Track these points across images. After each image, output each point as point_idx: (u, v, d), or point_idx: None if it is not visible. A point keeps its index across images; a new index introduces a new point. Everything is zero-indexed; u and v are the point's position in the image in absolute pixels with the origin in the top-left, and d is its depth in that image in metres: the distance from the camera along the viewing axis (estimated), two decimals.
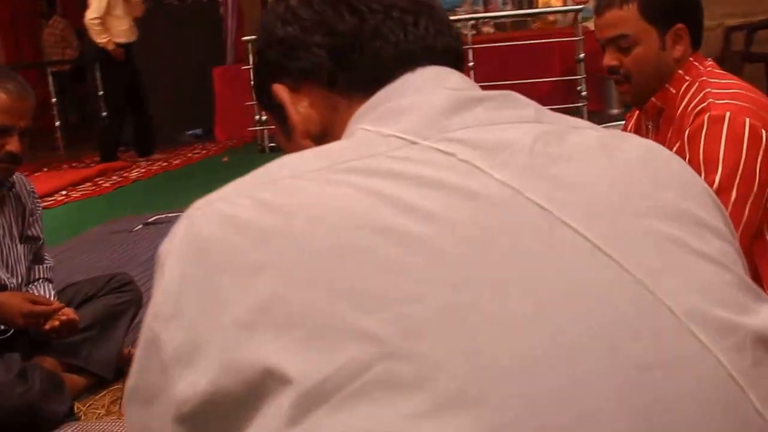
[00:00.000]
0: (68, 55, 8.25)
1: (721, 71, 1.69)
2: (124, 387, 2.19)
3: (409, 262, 0.51)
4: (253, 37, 6.98)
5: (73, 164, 7.39)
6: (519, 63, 6.95)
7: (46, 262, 2.50)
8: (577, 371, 0.50)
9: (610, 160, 0.62)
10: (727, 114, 1.51)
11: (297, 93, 0.71)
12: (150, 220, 4.42)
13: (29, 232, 2.40)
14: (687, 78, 1.65)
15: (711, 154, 1.51)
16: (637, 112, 1.85)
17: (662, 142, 1.59)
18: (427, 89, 0.66)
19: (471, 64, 6.41)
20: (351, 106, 0.69)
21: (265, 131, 6.91)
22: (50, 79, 7.64)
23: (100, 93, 7.09)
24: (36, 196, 2.48)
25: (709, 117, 1.53)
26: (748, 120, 1.50)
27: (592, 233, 0.56)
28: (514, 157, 0.59)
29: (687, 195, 0.63)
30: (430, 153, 0.58)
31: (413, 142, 0.59)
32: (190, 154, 7.48)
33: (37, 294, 2.30)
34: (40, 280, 2.42)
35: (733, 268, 0.60)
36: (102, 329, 2.40)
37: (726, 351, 0.54)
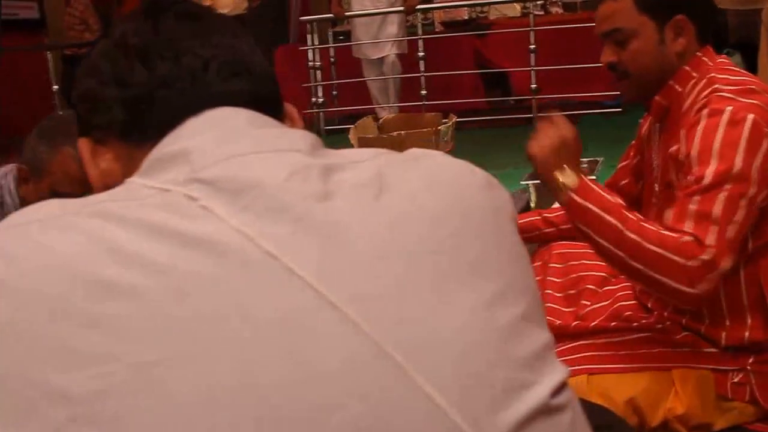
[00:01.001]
0: (86, 38, 8.14)
1: (734, 67, 1.58)
2: None
3: (118, 317, 0.51)
4: (314, 17, 6.97)
5: None
6: (587, 46, 6.67)
7: None
8: None
9: (376, 199, 0.60)
10: (728, 108, 1.41)
11: (103, 146, 0.71)
12: None
13: None
14: (694, 74, 1.54)
15: (705, 146, 1.40)
16: None
17: (668, 143, 1.53)
18: (201, 132, 0.65)
19: (532, 47, 6.21)
20: (144, 158, 0.67)
21: (321, 114, 6.88)
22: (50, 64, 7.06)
23: None
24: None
25: (708, 111, 1.43)
26: (751, 116, 1.39)
27: (324, 285, 0.54)
28: (259, 199, 0.57)
29: (464, 228, 0.62)
30: (175, 198, 0.58)
31: (166, 190, 0.59)
32: None
33: None
34: None
35: (506, 312, 0.59)
36: None
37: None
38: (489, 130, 6.45)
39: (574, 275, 1.86)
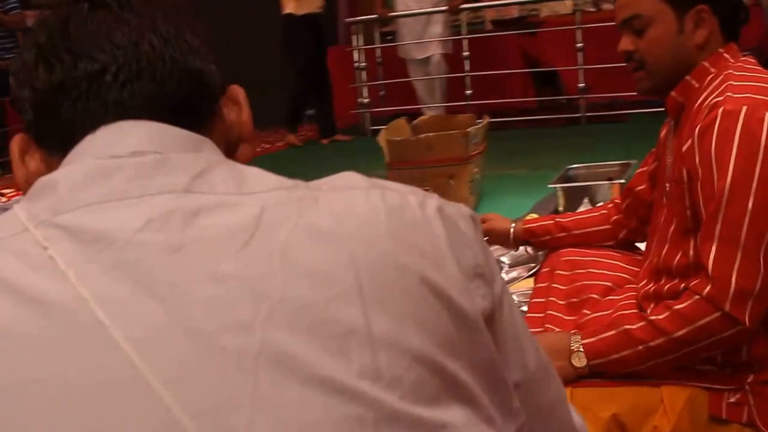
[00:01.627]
0: None
1: (757, 66, 1.49)
2: None
3: None
4: (358, 18, 6.96)
5: None
6: None
7: None
8: None
9: (238, 251, 0.54)
10: (743, 109, 1.33)
11: (36, 145, 0.67)
12: None
13: None
14: (712, 70, 1.46)
15: (722, 154, 1.33)
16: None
17: (681, 141, 1.47)
18: (81, 157, 0.61)
19: (580, 45, 6.09)
20: (58, 166, 0.63)
21: (367, 114, 6.87)
22: None
23: None
24: None
25: (722, 112, 1.35)
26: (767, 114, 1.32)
27: (146, 361, 0.50)
28: (106, 253, 0.54)
29: (341, 293, 0.54)
30: (28, 244, 0.55)
31: (26, 229, 0.56)
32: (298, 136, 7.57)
33: None
34: None
35: (379, 395, 0.52)
36: None
37: None
38: (537, 130, 6.35)
39: (579, 283, 1.81)
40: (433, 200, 0.62)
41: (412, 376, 0.54)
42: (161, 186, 0.57)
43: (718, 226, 1.32)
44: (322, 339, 0.52)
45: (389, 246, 0.57)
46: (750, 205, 1.30)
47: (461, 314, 0.58)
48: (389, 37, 7.12)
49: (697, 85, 1.47)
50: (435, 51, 6.46)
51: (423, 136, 3.55)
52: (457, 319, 0.57)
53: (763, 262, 1.31)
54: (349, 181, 0.63)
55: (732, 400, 1.41)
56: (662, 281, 1.53)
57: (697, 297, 1.33)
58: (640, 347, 1.37)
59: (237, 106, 0.72)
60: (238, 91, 0.73)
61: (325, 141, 6.82)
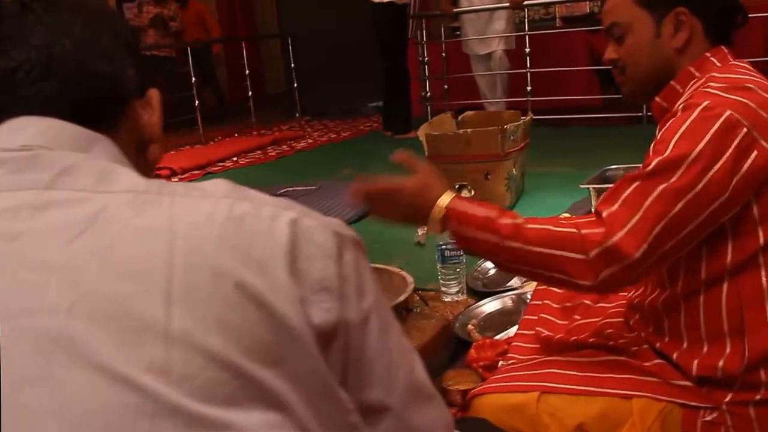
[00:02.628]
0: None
1: (747, 69, 1.40)
2: None
3: None
4: (424, 13, 7.03)
5: (262, 131, 7.93)
6: None
7: None
8: None
9: (68, 243, 0.59)
10: (705, 102, 1.28)
11: None
12: (278, 192, 4.65)
13: None
14: (697, 74, 1.42)
15: (668, 135, 1.28)
16: None
17: None
18: None
19: None
20: None
21: (429, 108, 6.95)
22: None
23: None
24: None
25: (684, 105, 1.32)
26: (729, 112, 1.25)
27: None
28: None
29: (157, 292, 0.57)
30: None
31: None
32: (361, 127, 7.72)
33: None
34: None
35: (161, 389, 0.54)
36: None
37: None
38: (598, 128, 6.30)
39: None
40: (292, 213, 0.65)
41: (206, 376, 0.55)
42: (30, 182, 0.63)
43: (631, 188, 1.26)
44: (117, 331, 0.55)
45: (211, 250, 0.60)
46: (663, 185, 1.23)
47: (283, 323, 0.60)
48: (457, 33, 7.16)
49: (680, 90, 1.43)
50: (497, 47, 6.48)
51: (461, 131, 3.62)
52: (276, 327, 0.59)
53: (649, 242, 1.22)
54: (211, 189, 0.67)
55: (708, 418, 1.34)
56: (648, 290, 1.50)
57: (575, 231, 1.27)
58: (494, 239, 1.32)
59: (151, 109, 0.78)
60: (153, 95, 0.79)
61: (399, 136, 6.62)
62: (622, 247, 1.22)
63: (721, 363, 1.32)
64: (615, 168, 3.46)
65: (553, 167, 4.61)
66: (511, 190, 3.66)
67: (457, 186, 3.68)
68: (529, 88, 6.47)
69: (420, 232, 3.37)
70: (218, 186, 0.67)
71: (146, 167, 0.79)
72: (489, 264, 2.91)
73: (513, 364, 1.71)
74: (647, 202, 1.24)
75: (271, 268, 0.61)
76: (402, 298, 2.28)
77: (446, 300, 2.71)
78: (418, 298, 2.64)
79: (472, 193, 3.64)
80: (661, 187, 1.24)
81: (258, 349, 0.58)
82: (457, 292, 2.72)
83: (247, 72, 8.23)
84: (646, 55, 1.47)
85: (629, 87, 1.54)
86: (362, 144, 6.74)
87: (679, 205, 1.23)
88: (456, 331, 2.31)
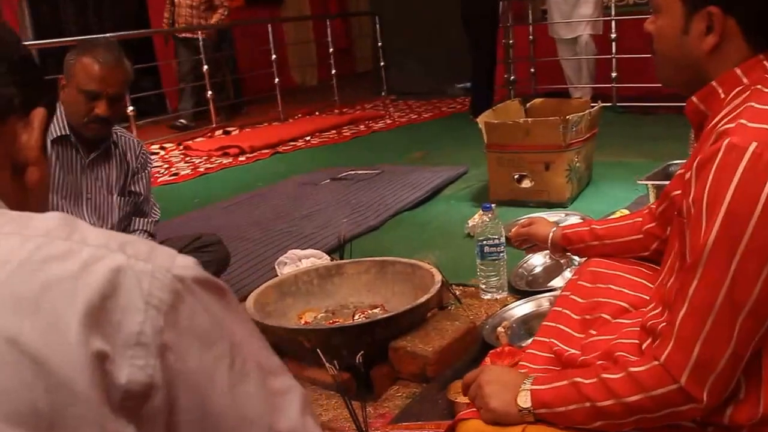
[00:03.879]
0: None
1: None
2: None
3: None
4: None
5: (344, 110, 7.90)
6: None
7: (152, 216, 2.75)
8: None
9: None
10: (752, 146, 1.11)
11: None
12: (340, 175, 4.59)
13: (131, 188, 2.66)
14: (744, 81, 1.24)
15: (714, 199, 1.13)
16: None
17: (689, 165, 1.29)
18: None
19: None
20: None
21: (512, 91, 6.75)
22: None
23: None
24: (146, 158, 2.73)
25: (727, 144, 1.14)
26: None
27: None
28: None
29: None
30: None
31: None
32: (444, 108, 7.57)
33: None
34: (138, 231, 2.69)
35: None
36: None
37: None
38: (682, 117, 5.95)
39: (597, 299, 1.70)
40: (119, 257, 0.59)
41: None
42: None
43: (693, 285, 1.15)
44: None
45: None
46: (733, 268, 1.11)
47: (62, 384, 0.54)
48: (546, 15, 6.91)
49: (722, 95, 1.26)
50: (584, 31, 6.23)
51: (521, 120, 3.45)
52: (53, 388, 0.53)
53: (736, 335, 1.12)
54: (36, 224, 0.61)
55: None
56: (664, 315, 1.36)
57: (655, 362, 1.18)
58: (588, 405, 1.25)
59: (31, 129, 0.74)
60: (35, 116, 0.75)
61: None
62: (706, 359, 1.14)
63: (729, 410, 1.20)
64: (678, 163, 3.21)
65: (627, 157, 4.37)
66: (572, 182, 3.47)
67: (516, 176, 3.53)
68: (614, 74, 6.17)
69: (470, 223, 3.23)
70: (45, 222, 0.61)
71: (23, 191, 0.74)
72: (535, 260, 2.76)
73: None
74: (718, 300, 1.13)
75: (64, 321, 0.54)
76: (423, 299, 2.17)
77: (485, 298, 2.58)
78: (451, 295, 2.54)
79: (532, 183, 3.49)
80: (729, 273, 1.12)
81: (26, 413, 0.52)
82: (497, 290, 2.59)
83: (331, 50, 8.21)
84: (672, 47, 1.31)
85: (659, 72, 1.39)
86: (440, 126, 6.60)
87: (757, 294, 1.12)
88: (484, 334, 2.18)
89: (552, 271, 2.68)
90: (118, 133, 2.65)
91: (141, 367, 0.56)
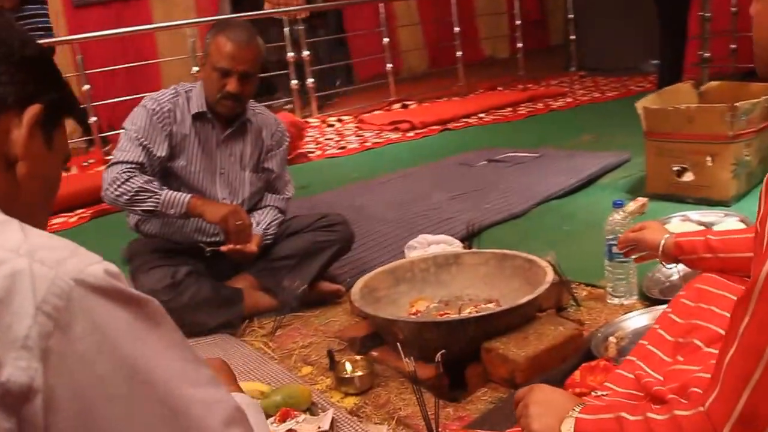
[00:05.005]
0: None
1: None
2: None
3: None
4: None
5: (529, 85, 7.66)
6: None
7: (284, 194, 2.81)
8: None
9: None
10: None
11: None
12: (498, 156, 4.46)
13: (264, 165, 2.74)
14: None
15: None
16: None
17: None
18: None
19: None
20: None
21: (706, 71, 6.18)
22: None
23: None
24: (282, 136, 2.79)
25: None
26: None
27: None
28: None
29: None
30: None
31: None
32: (633, 87, 7.11)
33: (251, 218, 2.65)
34: (268, 207, 2.76)
35: None
36: (300, 261, 2.66)
37: None
38: None
39: (695, 321, 1.55)
40: (22, 262, 0.62)
41: None
42: None
43: (745, 322, 0.98)
44: None
45: None
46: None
47: None
48: None
49: None
50: None
51: (683, 106, 3.14)
52: None
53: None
54: None
55: None
56: None
57: (700, 409, 1.05)
58: None
59: (19, 126, 0.76)
60: (28, 112, 0.77)
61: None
62: (752, 412, 0.98)
63: None
64: None
65: None
66: (739, 178, 3.12)
67: (676, 169, 3.23)
68: None
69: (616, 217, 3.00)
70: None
71: (13, 185, 0.78)
72: (682, 266, 2.50)
73: (604, 395, 1.54)
74: (762, 361, 0.96)
75: None
76: (522, 300, 2.05)
77: (611, 302, 2.40)
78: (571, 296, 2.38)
79: (693, 177, 3.18)
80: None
81: None
82: (625, 295, 2.39)
83: (518, 23, 8.00)
84: (763, 34, 1.13)
85: (755, 61, 1.20)
86: (621, 107, 6.15)
87: None
88: (593, 343, 2.02)
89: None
90: (256, 110, 2.73)
91: (23, 369, 0.59)
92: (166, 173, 2.58)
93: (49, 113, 0.80)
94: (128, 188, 2.42)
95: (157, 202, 2.44)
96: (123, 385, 0.63)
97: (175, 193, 2.47)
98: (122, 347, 0.63)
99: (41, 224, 0.82)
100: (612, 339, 2.04)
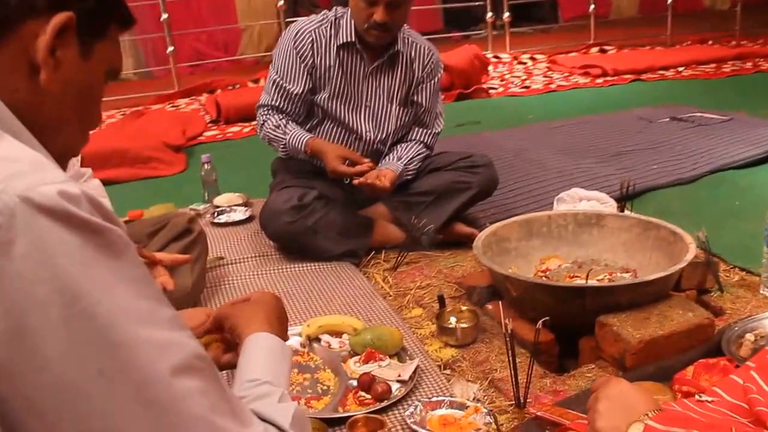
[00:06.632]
0: None
1: None
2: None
3: None
4: None
5: (742, 42, 6.97)
6: None
7: (433, 128, 2.73)
8: None
9: None
10: None
11: None
12: (682, 115, 4.10)
13: (413, 98, 2.66)
14: None
15: None
16: None
17: None
18: None
19: None
20: None
21: None
22: None
23: None
24: (435, 67, 2.68)
25: None
26: None
27: None
28: None
29: None
30: None
31: None
32: None
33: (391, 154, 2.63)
34: (413, 141, 2.70)
35: None
36: (437, 199, 2.59)
37: None
38: None
39: None
40: None
41: None
42: None
43: None
44: None
45: None
46: None
47: None
48: None
49: None
50: None
51: None
52: None
53: None
54: None
55: None
56: None
57: None
58: None
59: (43, 32, 0.73)
60: (55, 19, 0.73)
61: None
62: None
63: None
64: None
65: None
66: None
67: None
68: None
69: None
70: None
71: (38, 94, 0.75)
72: None
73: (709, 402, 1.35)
74: None
75: None
76: (649, 277, 1.86)
77: (763, 293, 2.14)
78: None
79: None
80: None
81: None
82: None
83: None
84: None
85: None
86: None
87: None
88: (724, 338, 1.81)
89: None
90: (409, 40, 2.64)
91: None
92: (310, 106, 2.59)
93: (87, 21, 0.76)
94: (264, 134, 2.60)
95: (285, 148, 2.55)
96: (61, 312, 0.60)
97: (298, 135, 2.53)
98: (65, 273, 0.61)
99: (75, 137, 0.81)
100: (749, 336, 1.81)
